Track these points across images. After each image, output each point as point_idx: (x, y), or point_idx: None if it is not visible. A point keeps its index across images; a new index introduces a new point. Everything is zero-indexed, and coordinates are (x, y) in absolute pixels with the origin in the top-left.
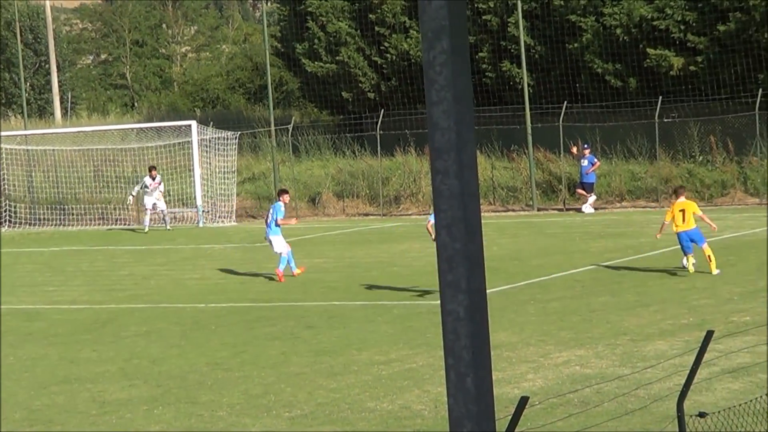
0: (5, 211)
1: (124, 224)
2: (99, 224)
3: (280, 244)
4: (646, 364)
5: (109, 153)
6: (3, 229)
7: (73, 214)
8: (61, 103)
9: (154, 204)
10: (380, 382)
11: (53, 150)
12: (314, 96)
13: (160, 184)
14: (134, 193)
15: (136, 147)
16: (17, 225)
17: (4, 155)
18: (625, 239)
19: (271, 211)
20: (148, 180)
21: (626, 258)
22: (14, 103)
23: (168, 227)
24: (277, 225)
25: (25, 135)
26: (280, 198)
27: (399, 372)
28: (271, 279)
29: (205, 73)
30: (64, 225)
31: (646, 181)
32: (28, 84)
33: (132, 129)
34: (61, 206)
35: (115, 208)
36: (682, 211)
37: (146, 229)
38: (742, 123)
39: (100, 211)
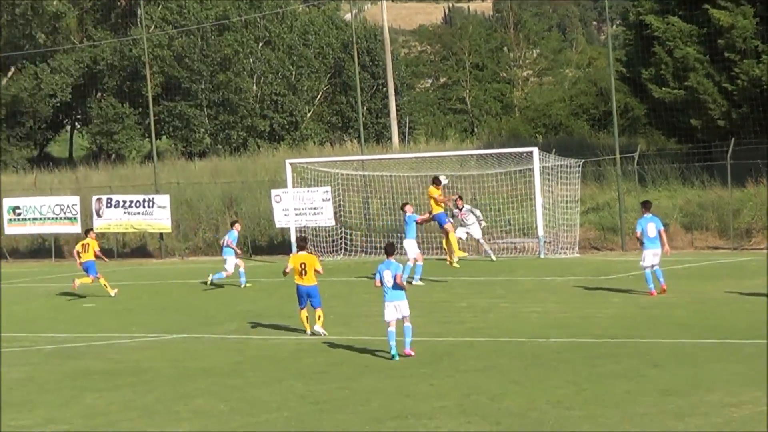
0: (341, 239)
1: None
2: (436, 254)
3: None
4: None
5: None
6: (338, 257)
7: None
8: (399, 127)
9: (467, 232)
10: (731, 425)
11: (390, 176)
12: (661, 123)
13: (467, 214)
14: (451, 220)
15: (475, 174)
16: (353, 253)
17: (341, 181)
18: None
19: None
20: (455, 211)
21: None
22: (351, 128)
23: (493, 258)
24: None
25: (362, 160)
26: None
27: (751, 415)
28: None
29: (547, 98)
30: (400, 254)
31: None
32: (365, 108)
33: (472, 155)
34: (398, 234)
35: None
36: None
37: (493, 258)
38: None
39: (437, 240)
